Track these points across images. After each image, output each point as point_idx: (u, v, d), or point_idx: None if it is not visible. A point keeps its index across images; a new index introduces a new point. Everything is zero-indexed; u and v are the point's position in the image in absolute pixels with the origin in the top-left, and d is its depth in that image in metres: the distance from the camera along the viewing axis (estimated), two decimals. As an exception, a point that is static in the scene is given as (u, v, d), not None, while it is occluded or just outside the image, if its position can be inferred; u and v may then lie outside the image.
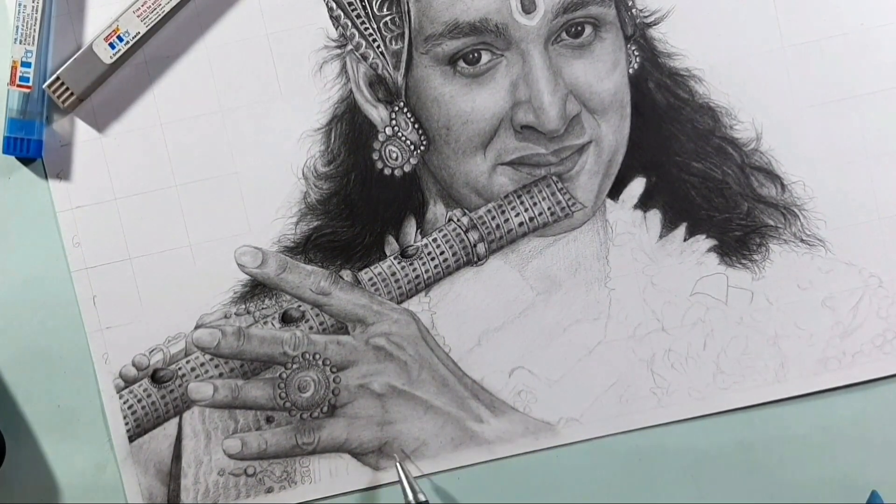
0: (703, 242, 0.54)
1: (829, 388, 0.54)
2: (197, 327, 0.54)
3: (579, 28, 0.53)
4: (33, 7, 0.52)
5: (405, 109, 0.54)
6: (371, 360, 0.54)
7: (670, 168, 0.54)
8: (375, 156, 0.54)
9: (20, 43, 0.52)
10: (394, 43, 0.53)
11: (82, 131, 0.54)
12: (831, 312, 0.54)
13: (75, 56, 0.52)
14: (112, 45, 0.52)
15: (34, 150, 0.53)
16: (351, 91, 0.54)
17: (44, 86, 0.52)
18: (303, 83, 0.54)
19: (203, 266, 0.54)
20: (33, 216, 0.54)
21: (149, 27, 0.52)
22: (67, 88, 0.52)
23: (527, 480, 0.55)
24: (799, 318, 0.54)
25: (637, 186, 0.54)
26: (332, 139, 0.54)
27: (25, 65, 0.52)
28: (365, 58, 0.53)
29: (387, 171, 0.54)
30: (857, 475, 0.54)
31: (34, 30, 0.52)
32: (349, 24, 0.53)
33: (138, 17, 0.51)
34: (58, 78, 0.52)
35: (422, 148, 0.54)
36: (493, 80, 0.53)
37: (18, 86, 0.52)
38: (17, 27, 0.52)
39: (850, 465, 0.54)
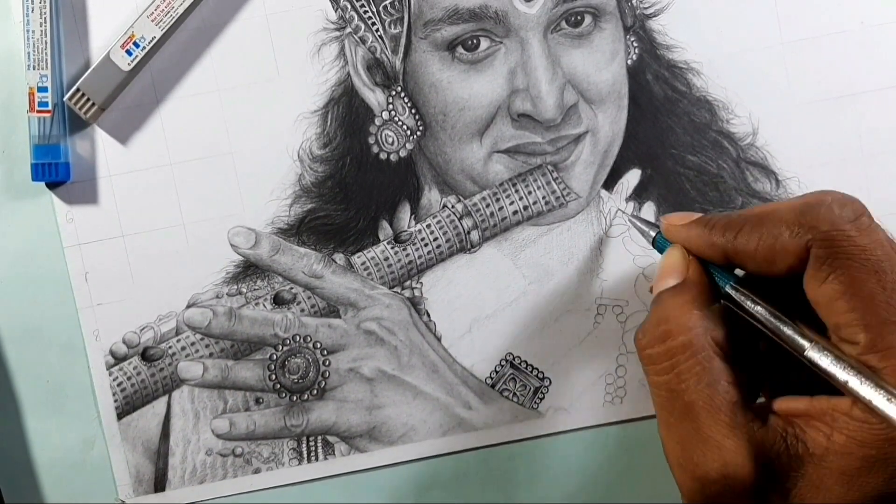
0: (696, 236, 0.54)
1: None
2: (188, 306, 0.54)
3: (579, 17, 0.53)
4: (42, 31, 0.51)
5: (402, 94, 0.54)
6: (362, 345, 0.54)
7: (666, 160, 0.54)
8: (371, 140, 0.54)
9: (34, 69, 0.52)
10: (393, 27, 0.53)
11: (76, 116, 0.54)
12: (822, 309, 0.54)
13: (93, 66, 0.52)
14: (129, 52, 0.52)
15: (63, 173, 0.53)
16: (349, 74, 0.54)
17: (64, 98, 0.52)
18: (300, 65, 0.54)
19: (196, 246, 0.54)
20: (26, 191, 0.54)
21: (164, 31, 0.52)
22: (89, 99, 0.52)
23: (513, 468, 0.55)
24: (789, 314, 0.54)
25: (632, 178, 0.54)
26: (329, 122, 0.54)
27: (42, 90, 0.52)
28: (363, 41, 0.53)
29: (382, 156, 0.54)
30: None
31: (46, 54, 0.51)
32: (348, 6, 0.53)
33: (152, 21, 0.51)
34: (78, 89, 0.52)
35: (418, 133, 0.54)
36: (491, 67, 0.53)
37: (38, 111, 0.52)
38: (29, 53, 0.52)
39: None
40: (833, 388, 0.37)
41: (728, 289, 0.41)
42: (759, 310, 0.39)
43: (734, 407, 0.38)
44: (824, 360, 0.37)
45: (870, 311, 0.36)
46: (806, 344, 0.38)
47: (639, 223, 0.48)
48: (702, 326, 0.39)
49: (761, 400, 0.40)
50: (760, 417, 0.38)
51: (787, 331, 0.38)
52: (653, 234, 0.46)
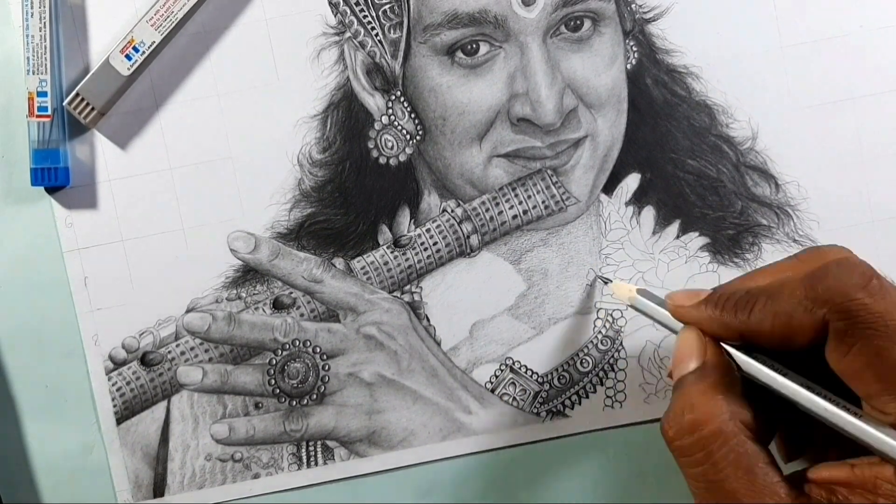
0: (695, 240, 0.54)
1: (817, 389, 0.55)
2: (188, 311, 0.54)
3: (578, 22, 0.53)
4: (41, 36, 0.51)
5: (402, 99, 0.54)
6: (361, 349, 0.54)
7: (665, 165, 0.54)
8: (371, 144, 0.54)
9: (33, 73, 0.52)
10: (392, 31, 0.53)
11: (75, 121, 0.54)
12: (822, 313, 0.54)
13: (93, 71, 0.52)
14: (128, 57, 0.52)
15: (62, 177, 0.53)
16: (348, 79, 0.54)
17: (64, 103, 0.52)
18: (300, 69, 0.54)
19: (195, 250, 0.54)
20: (26, 195, 0.54)
21: (163, 35, 0.52)
22: (88, 104, 0.52)
23: (513, 473, 0.55)
24: (789, 318, 0.54)
25: (632, 182, 0.54)
26: (328, 126, 0.54)
27: (42, 94, 0.52)
28: (363, 45, 0.53)
29: (382, 160, 0.54)
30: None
31: (45, 59, 0.51)
32: (348, 11, 0.53)
33: (152, 26, 0.51)
34: (77, 94, 0.52)
35: (417, 138, 0.54)
36: (490, 71, 0.53)
37: (38, 116, 0.52)
38: (28, 58, 0.52)
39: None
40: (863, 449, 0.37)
41: (754, 370, 0.41)
42: (792, 387, 0.39)
43: (776, 487, 0.38)
44: (864, 430, 0.37)
45: None
46: (845, 416, 0.38)
47: (646, 301, 0.47)
48: (729, 412, 0.39)
49: (795, 468, 0.40)
50: (798, 488, 0.38)
51: (825, 405, 0.38)
52: (660, 318, 0.45)
